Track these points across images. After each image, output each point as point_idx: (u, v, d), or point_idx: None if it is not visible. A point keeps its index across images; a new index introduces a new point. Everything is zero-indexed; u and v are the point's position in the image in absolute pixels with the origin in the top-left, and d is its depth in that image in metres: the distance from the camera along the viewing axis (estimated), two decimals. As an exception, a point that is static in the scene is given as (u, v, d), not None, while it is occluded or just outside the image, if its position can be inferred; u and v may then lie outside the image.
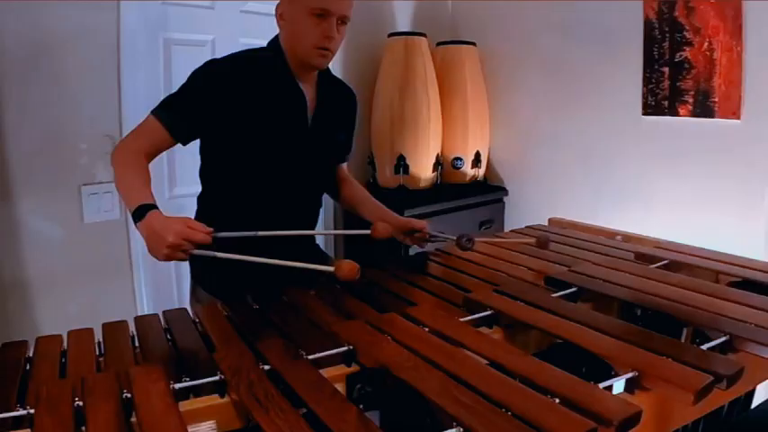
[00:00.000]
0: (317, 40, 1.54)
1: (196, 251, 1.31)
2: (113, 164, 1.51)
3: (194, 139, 1.61)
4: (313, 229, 1.84)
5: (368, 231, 1.44)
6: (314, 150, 1.70)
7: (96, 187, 2.37)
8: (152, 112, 1.54)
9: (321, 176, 1.82)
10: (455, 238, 1.77)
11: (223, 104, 1.54)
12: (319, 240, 3.19)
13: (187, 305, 1.48)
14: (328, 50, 1.57)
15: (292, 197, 1.70)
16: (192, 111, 1.54)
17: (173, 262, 2.68)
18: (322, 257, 1.93)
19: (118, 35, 2.35)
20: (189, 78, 1.57)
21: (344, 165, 1.96)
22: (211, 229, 1.33)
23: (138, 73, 2.43)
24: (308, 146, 1.68)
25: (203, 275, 1.75)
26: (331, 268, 1.23)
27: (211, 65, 1.58)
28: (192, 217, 1.71)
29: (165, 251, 1.28)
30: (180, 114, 1.54)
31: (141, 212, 1.33)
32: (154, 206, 1.35)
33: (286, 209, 1.69)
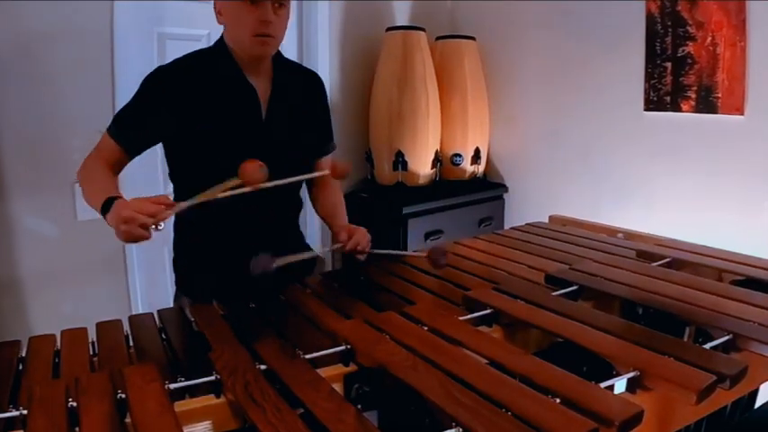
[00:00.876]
0: (253, 27, 1.50)
1: (163, 214, 1.30)
2: (79, 184, 1.54)
3: (146, 148, 1.60)
4: (295, 225, 1.82)
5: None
6: (273, 143, 1.64)
7: (90, 184, 2.36)
8: (107, 128, 1.56)
9: (290, 170, 1.67)
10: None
11: (172, 109, 1.53)
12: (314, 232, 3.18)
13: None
14: (268, 36, 1.53)
15: (262, 194, 1.66)
16: (143, 122, 1.55)
17: (168, 261, 2.69)
18: (307, 247, 1.88)
19: (111, 30, 2.35)
20: (138, 89, 1.57)
21: (327, 160, 1.84)
22: (169, 200, 1.34)
23: (131, 68, 2.42)
24: (264, 140, 1.63)
25: (187, 283, 1.75)
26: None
27: (157, 72, 1.57)
28: (172, 222, 1.71)
29: (122, 227, 1.28)
30: (130, 128, 1.55)
31: (107, 206, 1.35)
32: (117, 197, 1.36)
33: (259, 206, 1.62)
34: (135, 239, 1.31)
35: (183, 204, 1.35)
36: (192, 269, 1.74)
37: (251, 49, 1.55)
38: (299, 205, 1.83)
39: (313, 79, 1.81)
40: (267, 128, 1.64)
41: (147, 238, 1.31)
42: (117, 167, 1.56)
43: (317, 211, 1.91)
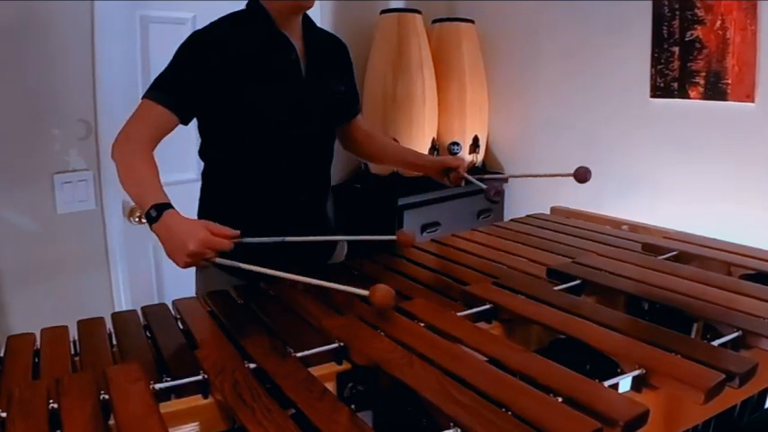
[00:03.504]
0: None
1: (218, 260, 1.34)
2: (115, 158, 1.49)
3: (195, 115, 1.63)
4: (326, 191, 1.86)
5: (393, 237, 1.59)
6: (313, 100, 1.71)
7: (70, 175, 2.35)
8: (145, 95, 1.54)
9: (326, 131, 1.82)
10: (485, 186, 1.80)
11: (216, 69, 1.57)
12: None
13: (167, 300, 1.48)
14: None
15: (299, 154, 1.71)
16: (189, 84, 1.56)
17: (152, 254, 2.69)
18: (333, 232, 1.94)
19: (92, 12, 2.34)
20: (176, 53, 1.59)
21: (360, 118, 1.99)
22: (237, 233, 1.37)
23: (113, 53, 2.41)
24: (306, 95, 1.69)
25: None
26: (365, 292, 1.24)
27: (196, 35, 1.61)
28: (198, 195, 1.78)
29: (186, 260, 1.30)
30: (177, 90, 1.55)
31: (156, 213, 1.34)
32: (168, 205, 1.36)
33: (295, 169, 1.71)
34: (191, 267, 1.36)
35: (246, 241, 1.41)
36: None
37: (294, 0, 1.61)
38: (330, 163, 1.87)
39: (340, 42, 1.91)
40: (308, 84, 1.70)
41: (206, 266, 1.38)
42: (158, 139, 1.54)
43: (383, 162, 2.05)
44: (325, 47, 1.79)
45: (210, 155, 1.74)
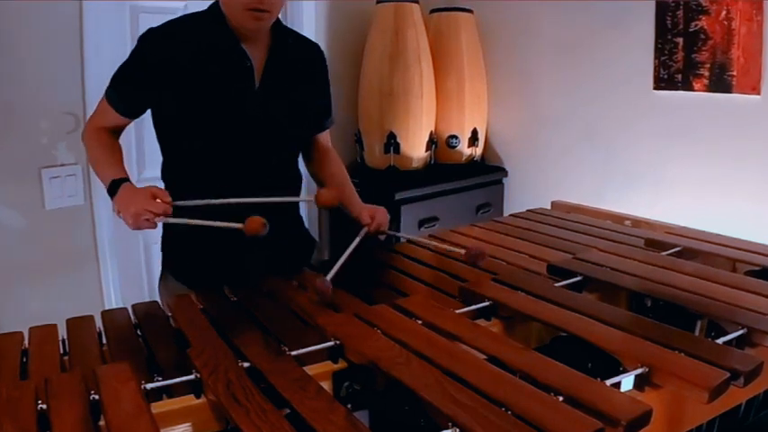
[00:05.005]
0: (247, 0, 1.51)
1: (165, 219, 1.47)
2: (84, 145, 1.68)
3: (141, 112, 1.68)
4: (290, 192, 1.82)
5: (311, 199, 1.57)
6: (267, 114, 1.67)
7: (58, 170, 2.35)
8: (105, 91, 1.64)
9: (286, 143, 1.78)
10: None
11: (163, 71, 1.57)
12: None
13: (158, 297, 1.49)
14: (263, 11, 1.53)
15: (255, 166, 1.69)
16: (135, 83, 1.61)
17: (143, 250, 2.69)
18: (306, 234, 1.94)
19: (80, 3, 2.33)
20: (131, 51, 1.62)
21: (325, 135, 1.92)
22: (169, 200, 1.49)
23: (102, 43, 2.40)
24: (257, 109, 1.65)
25: (174, 262, 1.76)
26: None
27: (148, 33, 1.61)
28: None
29: (130, 221, 1.46)
30: (124, 90, 1.63)
31: (114, 188, 1.51)
32: (124, 179, 1.52)
33: (252, 178, 1.68)
34: (141, 229, 1.50)
35: (179, 204, 1.52)
36: (181, 249, 1.75)
37: (243, 23, 1.56)
38: (295, 174, 1.85)
39: (313, 50, 1.83)
40: (261, 97, 1.66)
41: (153, 227, 1.49)
42: (117, 130, 1.69)
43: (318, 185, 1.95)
44: (294, 56, 1.73)
45: (166, 152, 1.73)
